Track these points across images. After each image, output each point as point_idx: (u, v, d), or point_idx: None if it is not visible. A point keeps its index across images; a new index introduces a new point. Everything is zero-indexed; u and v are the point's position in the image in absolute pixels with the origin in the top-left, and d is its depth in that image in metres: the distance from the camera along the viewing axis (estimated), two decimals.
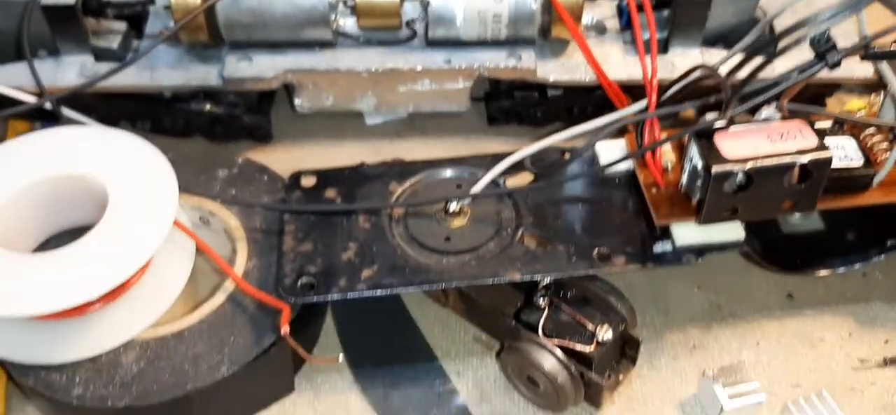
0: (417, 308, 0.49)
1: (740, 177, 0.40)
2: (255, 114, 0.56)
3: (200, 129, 0.57)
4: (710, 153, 0.40)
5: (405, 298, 0.49)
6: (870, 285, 0.49)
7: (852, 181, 0.43)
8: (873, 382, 0.45)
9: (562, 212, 0.46)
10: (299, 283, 0.43)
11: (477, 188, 0.45)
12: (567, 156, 0.48)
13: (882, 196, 0.44)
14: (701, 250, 0.43)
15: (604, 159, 0.47)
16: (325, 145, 0.58)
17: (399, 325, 0.48)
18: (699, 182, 0.41)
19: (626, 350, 0.45)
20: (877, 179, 0.44)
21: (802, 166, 0.40)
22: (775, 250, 0.47)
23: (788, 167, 0.40)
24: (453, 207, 0.45)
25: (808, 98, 0.47)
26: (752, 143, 0.40)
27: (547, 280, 0.44)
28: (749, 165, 0.39)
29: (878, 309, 0.48)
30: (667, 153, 0.45)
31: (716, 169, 0.39)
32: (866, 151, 0.44)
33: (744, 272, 0.50)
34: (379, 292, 0.42)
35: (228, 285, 0.45)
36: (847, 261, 0.46)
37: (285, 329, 0.41)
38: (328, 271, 0.43)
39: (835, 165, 0.42)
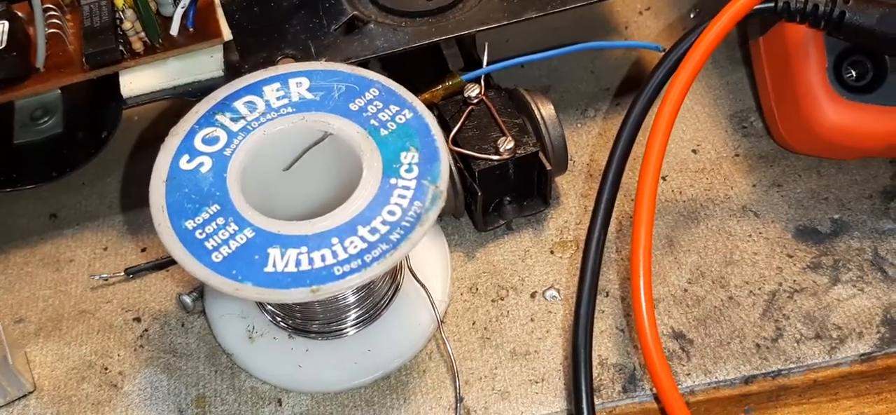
0: None
1: None
2: None
3: None
4: None
5: None
6: (140, 193, 0.42)
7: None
8: (110, 299, 0.39)
9: None
10: None
11: None
12: None
13: (43, 83, 0.36)
14: None
15: None
16: None
17: None
18: None
19: None
20: (38, 61, 0.36)
21: None
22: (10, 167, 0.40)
23: None
24: None
25: None
26: None
27: None
28: None
29: (148, 216, 0.41)
30: None
31: None
32: (24, 35, 0.37)
33: (11, 201, 0.43)
34: None
35: None
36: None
37: None
38: None
39: None
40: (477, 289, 0.38)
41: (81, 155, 0.40)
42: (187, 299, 0.38)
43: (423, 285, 0.36)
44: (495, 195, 0.38)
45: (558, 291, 0.37)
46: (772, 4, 0.35)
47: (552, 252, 0.39)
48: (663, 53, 0.36)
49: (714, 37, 0.35)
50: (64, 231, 0.41)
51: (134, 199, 0.42)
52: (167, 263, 0.39)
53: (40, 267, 0.40)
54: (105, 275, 0.39)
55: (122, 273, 0.39)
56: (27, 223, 0.42)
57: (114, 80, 0.37)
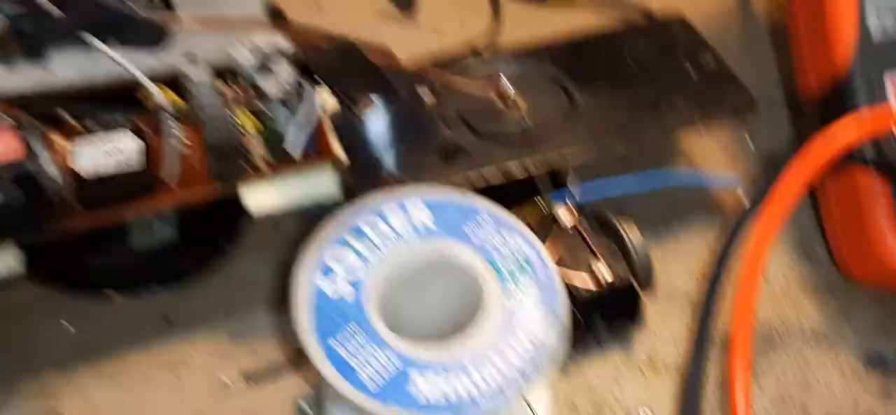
0: None
1: None
2: None
3: None
4: None
5: None
6: (248, 294, 0.45)
7: (132, 182, 0.38)
8: (228, 404, 0.41)
9: None
10: None
11: None
12: None
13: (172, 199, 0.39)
14: None
15: None
16: None
17: None
18: None
19: None
20: (168, 176, 0.39)
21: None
22: (128, 273, 0.43)
23: None
24: None
25: None
26: None
27: None
28: None
29: (259, 318, 0.44)
30: None
31: None
32: (152, 152, 0.39)
33: (120, 307, 0.45)
34: None
35: None
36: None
37: None
38: None
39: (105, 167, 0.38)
40: (576, 406, 0.40)
41: (195, 263, 0.42)
42: (304, 405, 0.40)
43: (529, 405, 0.39)
44: (590, 318, 0.41)
45: (650, 409, 0.40)
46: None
47: (641, 371, 0.42)
48: (740, 189, 0.40)
49: (798, 185, 0.38)
50: (177, 334, 0.44)
51: (245, 301, 0.45)
52: (285, 368, 0.41)
53: (156, 369, 0.42)
54: (224, 379, 0.41)
55: (240, 377, 0.41)
56: (143, 328, 0.44)
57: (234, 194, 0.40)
